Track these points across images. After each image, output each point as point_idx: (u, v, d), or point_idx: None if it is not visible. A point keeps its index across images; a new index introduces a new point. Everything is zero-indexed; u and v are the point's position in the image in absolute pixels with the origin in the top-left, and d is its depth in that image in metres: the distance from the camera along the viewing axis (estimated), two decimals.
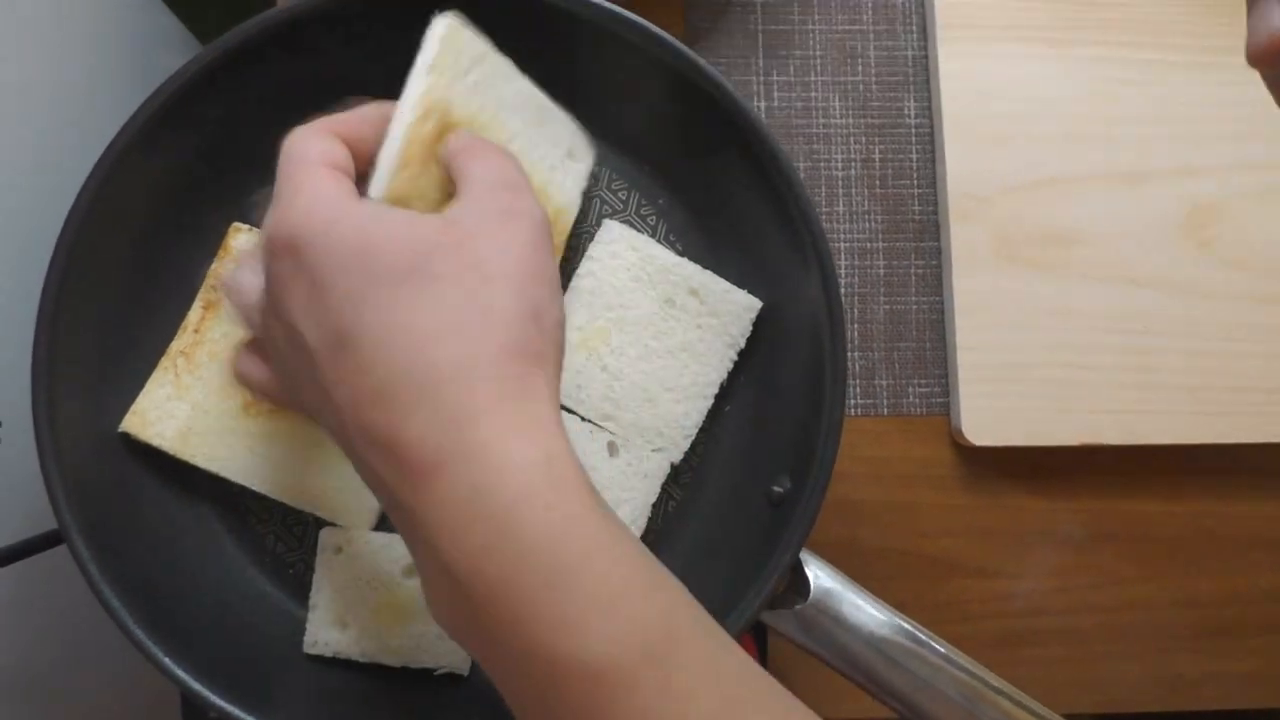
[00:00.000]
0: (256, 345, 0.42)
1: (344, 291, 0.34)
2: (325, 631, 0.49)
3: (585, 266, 0.52)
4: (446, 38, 0.43)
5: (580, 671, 0.31)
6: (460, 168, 0.39)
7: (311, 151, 0.38)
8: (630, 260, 0.51)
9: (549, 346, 0.36)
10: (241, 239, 0.50)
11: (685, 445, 0.51)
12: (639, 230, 0.53)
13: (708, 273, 0.52)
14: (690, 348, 0.51)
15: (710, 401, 0.52)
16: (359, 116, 0.41)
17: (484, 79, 0.45)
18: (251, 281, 0.39)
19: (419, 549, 0.34)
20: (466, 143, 0.40)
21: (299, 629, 0.50)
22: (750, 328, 0.52)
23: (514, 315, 0.34)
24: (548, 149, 0.49)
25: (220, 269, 0.50)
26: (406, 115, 0.41)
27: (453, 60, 0.43)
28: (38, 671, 0.60)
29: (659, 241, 0.53)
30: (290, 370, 0.38)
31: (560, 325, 0.37)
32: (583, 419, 0.51)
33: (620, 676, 0.31)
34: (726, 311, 0.51)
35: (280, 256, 0.35)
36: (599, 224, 0.53)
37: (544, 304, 0.36)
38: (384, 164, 0.40)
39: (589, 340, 0.51)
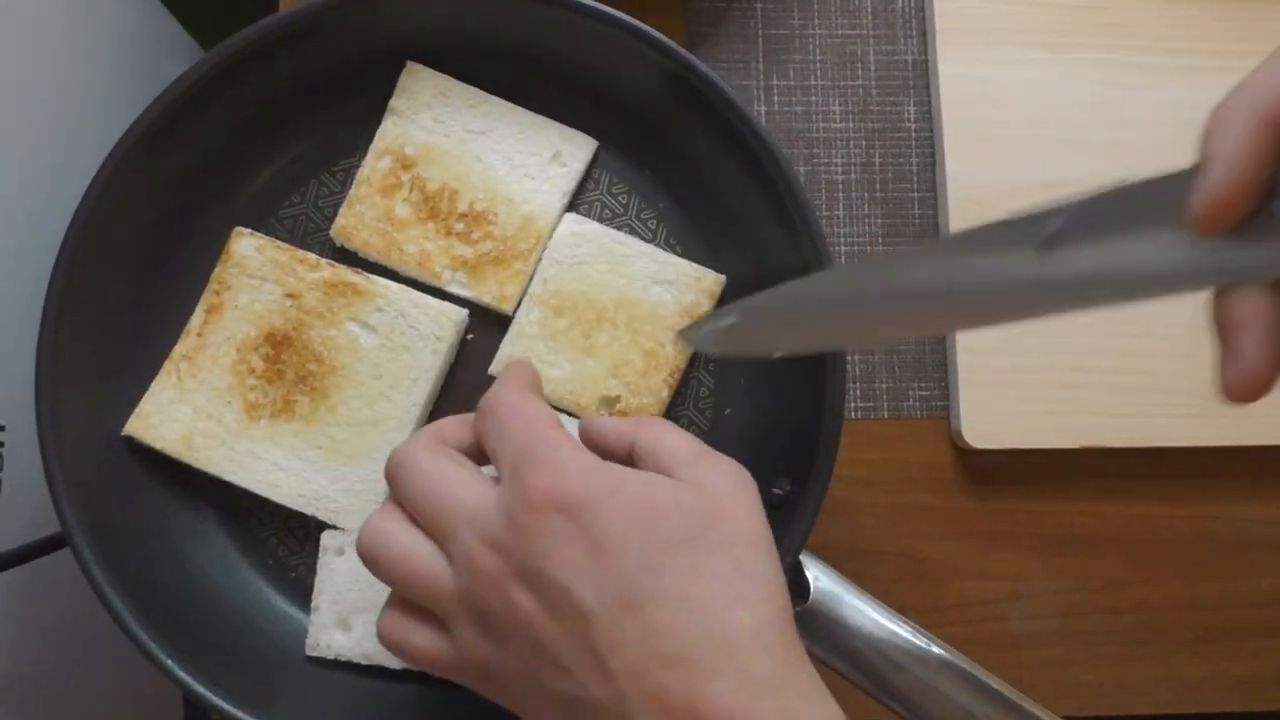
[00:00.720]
0: (415, 612, 0.39)
1: (636, 554, 0.35)
2: (327, 634, 0.50)
3: (545, 263, 0.52)
4: (403, 82, 0.52)
5: None
6: (652, 442, 0.40)
7: (543, 412, 0.40)
8: (588, 250, 0.52)
9: (790, 610, 0.37)
10: (244, 243, 0.51)
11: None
12: (635, 232, 0.53)
13: (665, 254, 0.52)
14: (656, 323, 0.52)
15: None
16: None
17: (446, 111, 0.52)
18: (421, 548, 0.38)
19: None
20: (650, 428, 0.41)
21: (301, 631, 0.51)
22: (714, 301, 0.52)
23: (778, 583, 0.37)
24: (524, 159, 0.52)
25: (224, 273, 0.51)
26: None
27: (408, 102, 0.52)
28: (41, 675, 0.61)
29: (660, 246, 0.53)
30: (519, 638, 0.36)
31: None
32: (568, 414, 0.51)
33: None
34: (690, 289, 0.52)
35: (549, 516, 0.35)
36: None
37: (780, 568, 0.38)
38: None
39: (555, 333, 0.51)
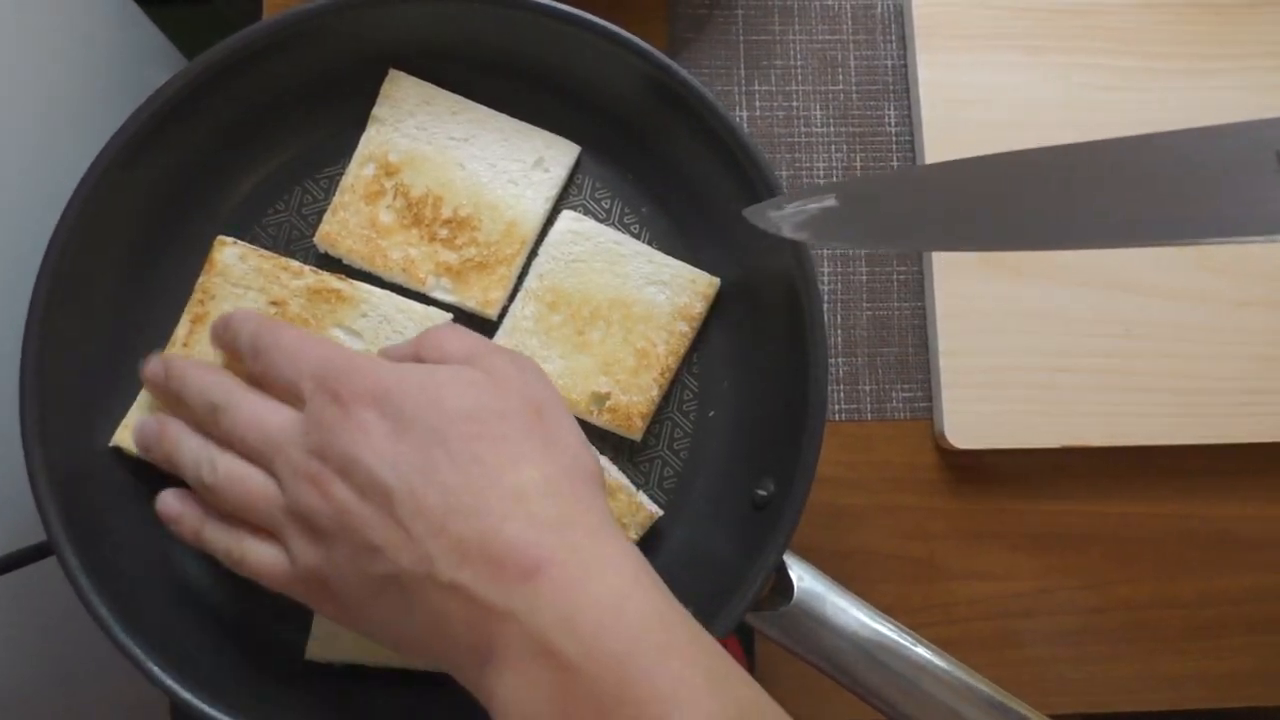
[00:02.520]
0: (254, 530, 0.42)
1: (428, 430, 0.38)
2: (328, 635, 0.50)
3: (541, 259, 0.53)
4: (386, 90, 0.53)
5: None
6: (432, 345, 0.44)
7: (320, 339, 0.44)
8: (585, 249, 0.52)
9: (597, 468, 0.41)
10: (227, 252, 0.51)
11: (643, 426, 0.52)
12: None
13: (661, 255, 0.53)
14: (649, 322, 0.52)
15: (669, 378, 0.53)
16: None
17: (429, 119, 0.53)
18: (251, 475, 0.42)
19: (511, 659, 0.35)
20: (429, 335, 0.44)
21: (291, 638, 0.50)
22: (707, 304, 0.53)
23: (567, 444, 0.40)
24: (508, 165, 0.53)
25: (208, 283, 0.51)
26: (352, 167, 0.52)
27: (391, 110, 0.53)
28: (26, 685, 0.60)
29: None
30: (341, 533, 0.39)
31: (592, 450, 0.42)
32: None
33: None
34: (684, 291, 0.52)
35: (357, 410, 0.39)
36: None
37: (582, 435, 0.41)
38: None
39: (549, 329, 0.52)
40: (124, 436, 0.50)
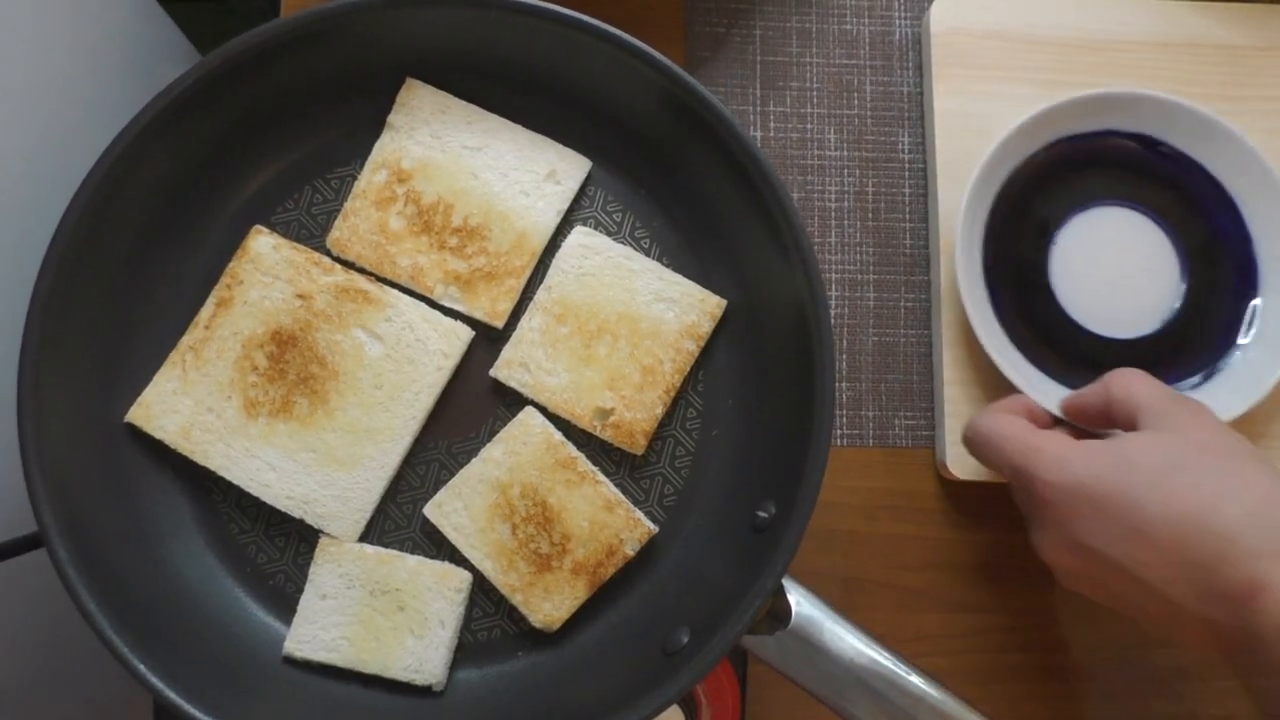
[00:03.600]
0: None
1: (1119, 504, 0.45)
2: (308, 633, 0.49)
3: (551, 271, 0.53)
4: (402, 98, 0.52)
5: None
6: (1121, 393, 0.50)
7: (1024, 426, 0.51)
8: (596, 263, 0.52)
9: None
10: (261, 241, 0.51)
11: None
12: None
13: (671, 272, 0.53)
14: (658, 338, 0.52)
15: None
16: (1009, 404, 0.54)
17: (444, 128, 0.53)
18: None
19: (1243, 658, 0.44)
20: (1123, 381, 0.51)
21: (276, 639, 0.50)
22: (714, 323, 0.53)
23: (1259, 479, 0.45)
24: (520, 175, 0.53)
25: (238, 268, 0.51)
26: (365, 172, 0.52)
27: (406, 117, 0.53)
28: (7, 678, 0.60)
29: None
30: (1095, 578, 0.48)
31: None
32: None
33: None
34: (693, 309, 0.52)
35: (1074, 501, 0.47)
36: None
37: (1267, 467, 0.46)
38: None
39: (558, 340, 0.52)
40: (139, 414, 0.50)
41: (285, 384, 0.50)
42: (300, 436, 0.50)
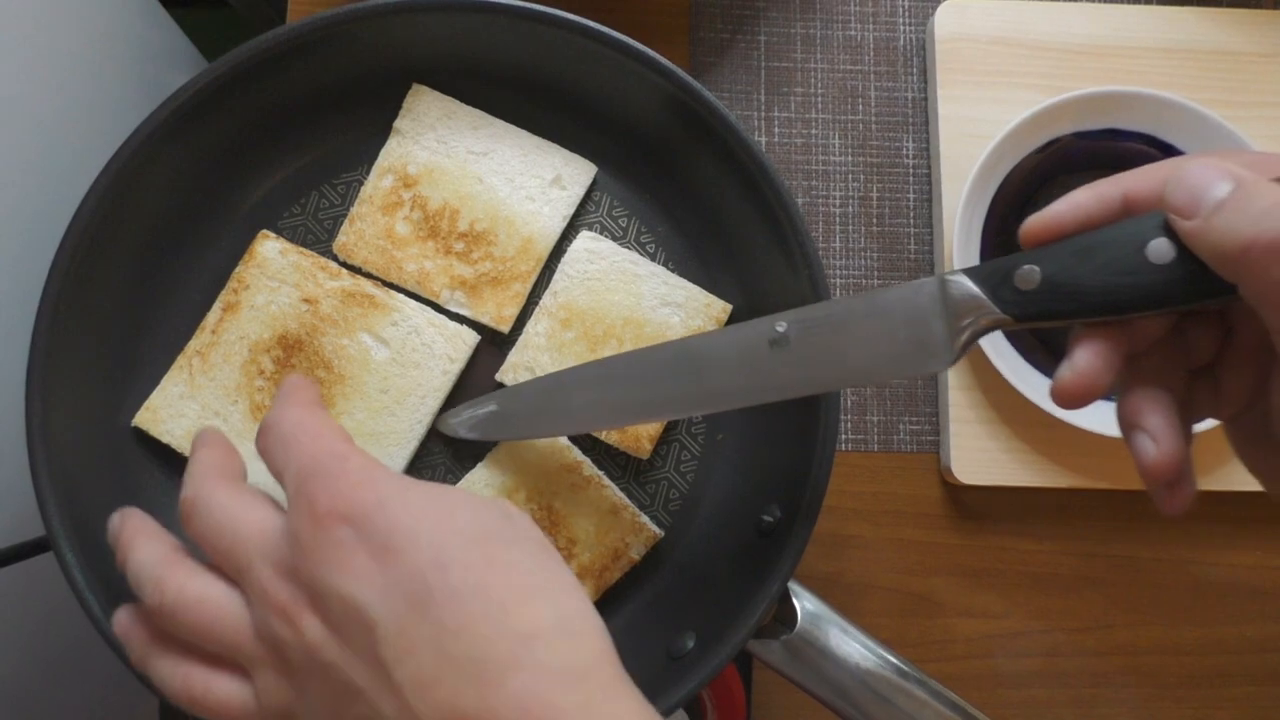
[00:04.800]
0: (215, 662, 0.36)
1: (425, 549, 0.32)
2: None
3: (557, 276, 0.53)
4: (408, 103, 0.53)
5: None
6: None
7: (329, 425, 0.37)
8: (601, 268, 0.52)
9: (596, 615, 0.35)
10: (268, 245, 0.51)
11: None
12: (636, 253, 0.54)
13: (676, 277, 0.53)
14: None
15: None
16: None
17: (450, 133, 0.53)
18: (212, 595, 0.35)
19: None
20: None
21: None
22: (720, 328, 0.52)
23: (574, 582, 0.35)
24: (526, 181, 0.53)
25: (245, 273, 0.51)
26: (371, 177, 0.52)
27: (412, 123, 0.53)
28: (17, 680, 0.60)
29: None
30: (315, 673, 0.33)
31: None
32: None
33: None
34: (698, 314, 0.52)
35: (334, 527, 0.33)
36: None
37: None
38: None
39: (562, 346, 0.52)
40: (145, 418, 0.50)
41: None
42: None
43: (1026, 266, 0.37)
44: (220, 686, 0.35)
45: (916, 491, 0.61)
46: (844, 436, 0.61)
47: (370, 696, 0.32)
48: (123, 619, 0.38)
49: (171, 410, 0.50)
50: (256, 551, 0.35)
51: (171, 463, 0.51)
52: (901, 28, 0.65)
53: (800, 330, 0.41)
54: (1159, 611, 0.61)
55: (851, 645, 0.46)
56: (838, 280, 0.62)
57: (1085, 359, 0.37)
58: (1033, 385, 0.57)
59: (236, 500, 0.36)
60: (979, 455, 0.59)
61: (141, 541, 0.38)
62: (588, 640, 0.33)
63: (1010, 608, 0.60)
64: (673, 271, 0.53)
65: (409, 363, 0.51)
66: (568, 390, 0.46)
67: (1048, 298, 0.37)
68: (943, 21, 0.62)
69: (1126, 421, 0.38)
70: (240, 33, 0.50)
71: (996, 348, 0.57)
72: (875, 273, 0.62)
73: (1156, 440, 0.36)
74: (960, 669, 0.60)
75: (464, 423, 0.50)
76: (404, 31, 0.51)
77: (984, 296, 0.38)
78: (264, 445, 0.37)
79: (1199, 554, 0.62)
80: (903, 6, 0.65)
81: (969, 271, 0.39)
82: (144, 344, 0.52)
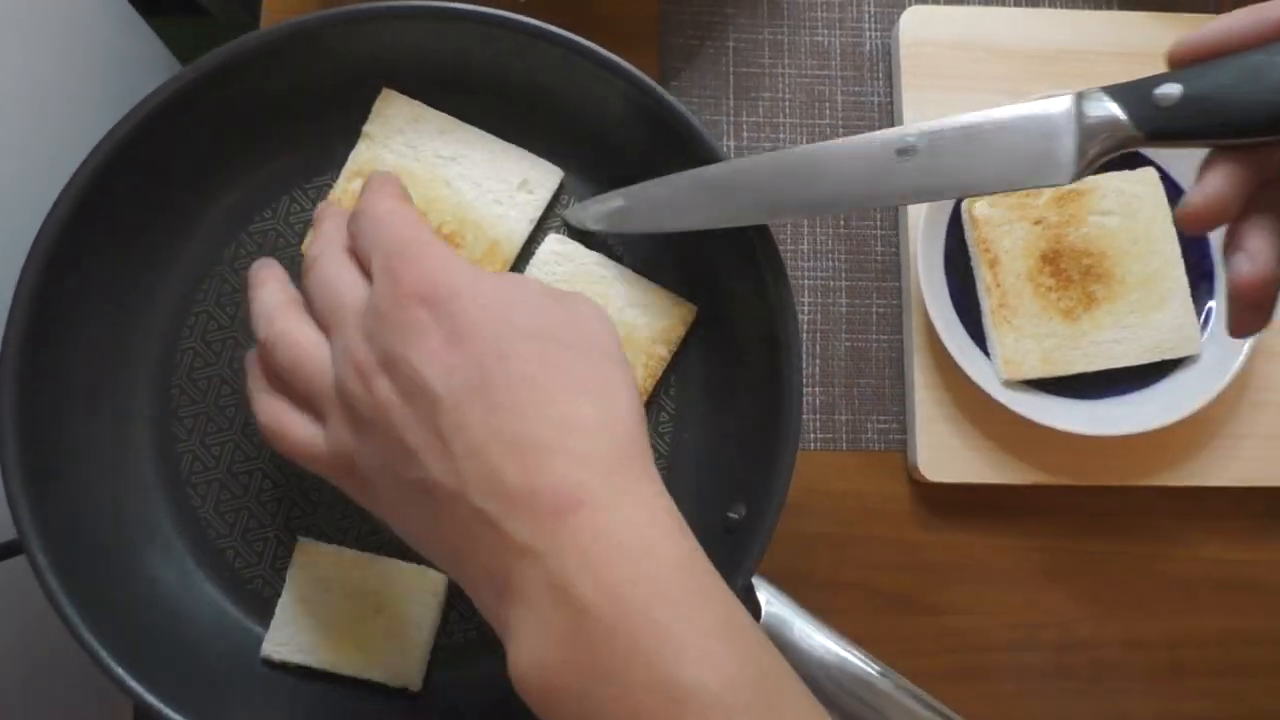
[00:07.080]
0: (297, 402, 0.41)
1: (488, 340, 0.36)
2: (285, 634, 0.50)
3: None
4: (378, 108, 0.53)
5: (698, 699, 0.32)
6: None
7: (415, 216, 0.41)
8: (569, 270, 0.53)
9: (646, 431, 0.39)
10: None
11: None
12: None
13: (643, 279, 0.53)
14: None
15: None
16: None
17: (418, 137, 0.53)
18: (307, 339, 0.41)
19: (530, 595, 0.34)
20: None
21: (255, 644, 0.50)
22: (686, 328, 0.53)
23: (629, 389, 0.38)
24: (493, 185, 0.53)
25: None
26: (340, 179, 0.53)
27: (381, 127, 0.53)
28: None
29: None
30: (378, 426, 0.37)
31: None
32: None
33: (735, 704, 0.32)
34: (664, 315, 0.53)
35: (413, 308, 0.37)
36: None
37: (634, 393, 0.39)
38: None
39: None
40: None
41: (1076, 286, 0.58)
42: (1114, 310, 0.57)
43: (1168, 84, 0.38)
44: (297, 422, 0.41)
45: (884, 489, 0.61)
46: (812, 435, 0.61)
47: (424, 458, 0.36)
48: (251, 354, 0.44)
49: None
50: (350, 311, 0.39)
51: (142, 464, 0.51)
52: (867, 33, 0.66)
53: (929, 141, 0.43)
54: (1124, 605, 0.62)
55: (815, 639, 0.46)
56: (805, 282, 0.63)
57: (1215, 184, 0.38)
58: (997, 383, 0.58)
59: (345, 268, 0.41)
60: (946, 453, 0.60)
61: (270, 285, 0.44)
62: (625, 438, 0.36)
63: (977, 604, 0.61)
64: (640, 274, 0.54)
65: (1127, 216, 0.55)
66: (690, 189, 0.49)
67: (1188, 115, 0.38)
68: (907, 27, 0.63)
69: (1231, 244, 0.39)
70: (218, 42, 0.50)
71: (957, 344, 0.58)
72: (843, 274, 0.63)
73: (1253, 258, 0.38)
74: (928, 664, 0.60)
75: (591, 215, 0.52)
76: (373, 37, 0.52)
77: (1120, 113, 0.39)
78: (356, 227, 0.42)
79: (1162, 549, 0.62)
80: (869, 12, 0.66)
81: (1107, 89, 0.40)
82: (123, 354, 0.52)
